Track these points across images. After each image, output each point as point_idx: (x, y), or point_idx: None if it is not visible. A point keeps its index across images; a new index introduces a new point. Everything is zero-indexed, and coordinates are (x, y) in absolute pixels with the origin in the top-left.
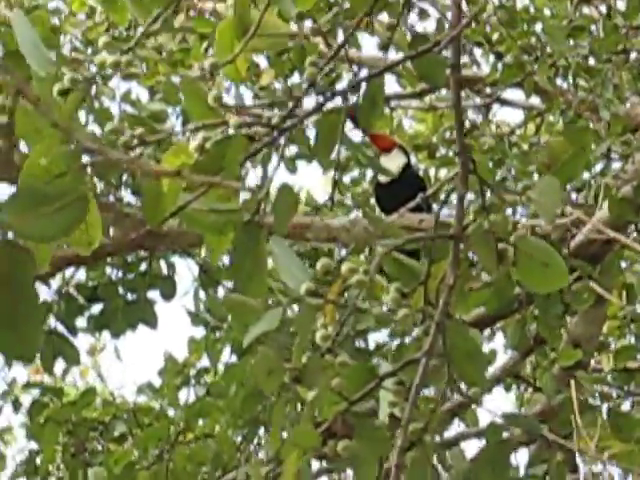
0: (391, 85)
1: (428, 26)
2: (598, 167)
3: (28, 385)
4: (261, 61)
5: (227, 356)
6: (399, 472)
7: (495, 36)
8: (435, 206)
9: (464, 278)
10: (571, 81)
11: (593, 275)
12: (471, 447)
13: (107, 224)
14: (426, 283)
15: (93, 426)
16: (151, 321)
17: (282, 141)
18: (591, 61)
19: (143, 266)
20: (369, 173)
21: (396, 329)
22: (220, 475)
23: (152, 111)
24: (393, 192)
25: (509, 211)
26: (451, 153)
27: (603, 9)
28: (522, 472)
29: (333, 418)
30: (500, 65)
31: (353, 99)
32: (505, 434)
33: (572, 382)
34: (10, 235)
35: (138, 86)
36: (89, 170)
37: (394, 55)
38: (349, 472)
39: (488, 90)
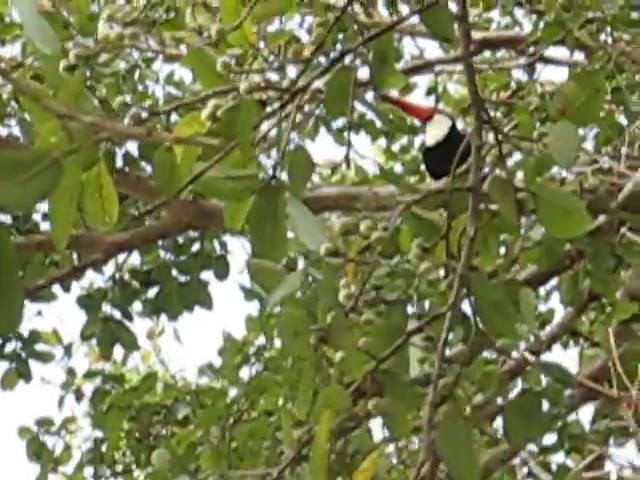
0: (434, 50)
1: None
2: None
3: (89, 374)
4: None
5: None
6: (431, 427)
7: None
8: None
9: (486, 229)
10: (610, 34)
11: None
12: None
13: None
14: (447, 237)
15: (156, 410)
16: (206, 302)
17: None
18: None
19: (195, 247)
20: (417, 140)
21: (420, 284)
22: (282, 451)
23: (195, 92)
24: (441, 156)
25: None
26: (498, 114)
27: None
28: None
29: (362, 378)
30: (541, 24)
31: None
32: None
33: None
34: None
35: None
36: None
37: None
38: None
39: (532, 50)
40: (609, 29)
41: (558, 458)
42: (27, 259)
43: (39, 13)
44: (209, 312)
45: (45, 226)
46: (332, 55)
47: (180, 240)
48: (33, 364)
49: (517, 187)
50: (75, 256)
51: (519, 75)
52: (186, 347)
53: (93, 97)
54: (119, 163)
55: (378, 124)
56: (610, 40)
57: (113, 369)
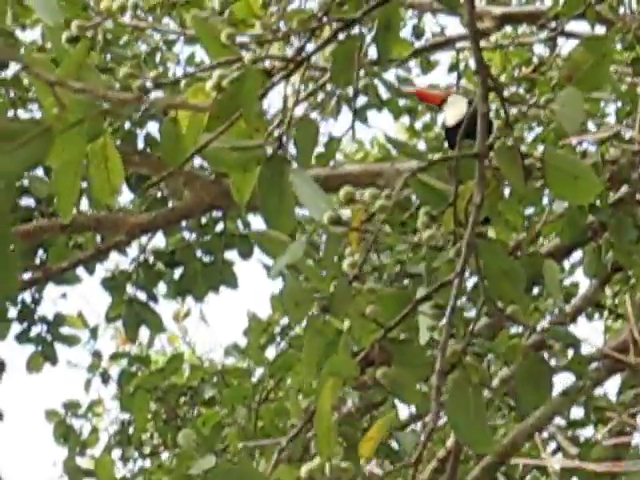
0: (456, 27)
1: None
2: None
3: (115, 356)
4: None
5: None
6: (440, 394)
7: None
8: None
9: (495, 196)
10: (631, 5)
11: None
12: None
13: (179, 187)
14: (455, 204)
15: (183, 392)
16: (231, 282)
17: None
18: None
19: (219, 227)
20: (440, 118)
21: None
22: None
23: None
24: (463, 134)
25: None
26: (521, 90)
27: None
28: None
29: (370, 346)
30: None
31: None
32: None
33: None
34: None
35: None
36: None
37: None
38: None
39: (553, 25)
40: (629, 1)
41: (587, 432)
42: (51, 242)
43: None
44: (234, 292)
45: None
46: (336, 25)
47: (203, 220)
48: (59, 347)
49: (524, 153)
50: (99, 238)
51: (541, 50)
52: (212, 328)
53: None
54: (140, 144)
55: (401, 102)
56: (629, 12)
57: (139, 351)
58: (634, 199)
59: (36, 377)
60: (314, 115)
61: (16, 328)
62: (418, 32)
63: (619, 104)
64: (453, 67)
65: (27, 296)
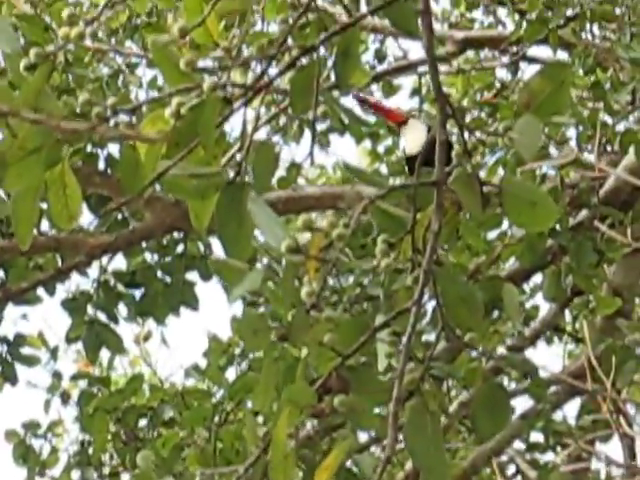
0: (418, 51)
1: None
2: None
3: (75, 377)
4: None
5: None
6: (397, 421)
7: None
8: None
9: (452, 224)
10: (589, 29)
11: (624, 221)
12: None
13: (140, 209)
14: (413, 232)
15: (142, 412)
16: (192, 303)
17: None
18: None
19: (179, 248)
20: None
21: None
22: None
23: None
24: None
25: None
26: (483, 115)
27: None
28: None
29: (328, 374)
30: (524, 23)
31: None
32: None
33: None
34: None
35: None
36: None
37: None
38: None
39: (515, 49)
40: (589, 26)
41: (546, 456)
42: (11, 262)
43: (17, 16)
44: (195, 314)
45: None
46: (294, 52)
47: (164, 242)
48: (19, 367)
49: (482, 181)
50: (59, 259)
51: (503, 75)
52: (173, 350)
53: (74, 101)
54: (101, 165)
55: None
56: (591, 37)
57: (100, 372)
58: (593, 223)
59: None
60: (276, 138)
61: None
62: (380, 56)
63: (580, 128)
64: (415, 91)
65: None
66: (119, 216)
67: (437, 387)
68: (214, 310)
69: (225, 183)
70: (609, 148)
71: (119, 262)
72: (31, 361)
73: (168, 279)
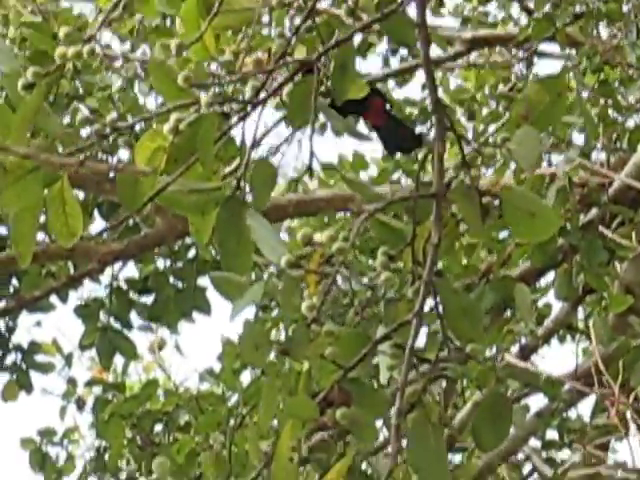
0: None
1: None
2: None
3: (90, 383)
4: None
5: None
6: (399, 433)
7: None
8: None
9: (452, 236)
10: (596, 27)
11: (634, 219)
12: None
13: (151, 215)
14: (413, 244)
15: (157, 417)
16: (204, 308)
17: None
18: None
19: (191, 253)
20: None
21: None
22: None
23: None
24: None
25: None
26: (501, 108)
27: None
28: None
29: (330, 387)
30: (531, 21)
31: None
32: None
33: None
34: None
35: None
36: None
37: None
38: None
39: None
40: (594, 23)
41: (562, 454)
42: (24, 270)
43: (25, 24)
44: (209, 318)
45: (40, 237)
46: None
47: (176, 247)
48: (34, 375)
49: (482, 191)
50: (71, 267)
51: (518, 68)
52: (187, 355)
53: (83, 107)
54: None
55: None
56: (596, 33)
57: (114, 378)
58: (604, 221)
59: (11, 405)
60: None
61: None
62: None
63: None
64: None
65: (1, 325)
66: (130, 222)
67: (446, 392)
68: (227, 314)
69: (225, 198)
70: (618, 145)
71: (131, 269)
72: (46, 368)
73: (180, 284)
